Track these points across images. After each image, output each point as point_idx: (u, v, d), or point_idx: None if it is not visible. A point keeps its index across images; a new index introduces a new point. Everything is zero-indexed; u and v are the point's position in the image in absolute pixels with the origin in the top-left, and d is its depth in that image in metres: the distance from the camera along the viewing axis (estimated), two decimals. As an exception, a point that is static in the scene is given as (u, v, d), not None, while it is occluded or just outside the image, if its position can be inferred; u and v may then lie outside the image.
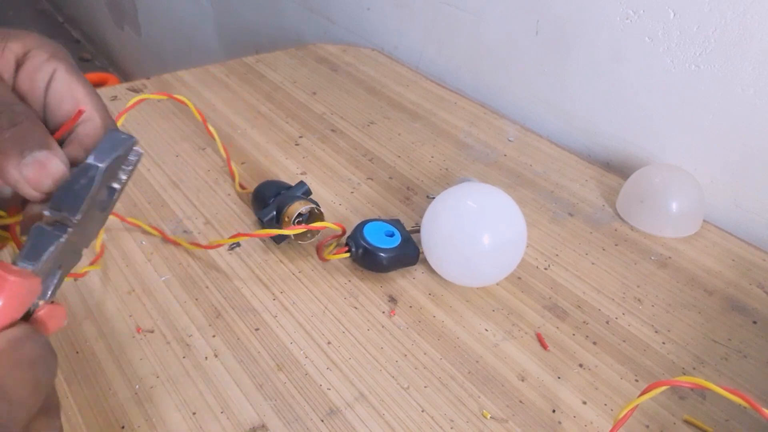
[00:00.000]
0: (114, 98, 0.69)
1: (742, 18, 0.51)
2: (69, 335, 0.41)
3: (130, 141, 0.28)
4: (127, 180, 0.28)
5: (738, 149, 0.55)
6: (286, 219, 0.48)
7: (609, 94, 0.64)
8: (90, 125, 0.29)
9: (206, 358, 0.40)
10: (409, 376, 0.40)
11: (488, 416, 0.38)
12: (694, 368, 0.42)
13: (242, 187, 0.56)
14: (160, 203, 0.54)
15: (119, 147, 0.27)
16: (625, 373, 0.41)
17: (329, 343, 0.42)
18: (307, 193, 0.51)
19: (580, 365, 0.42)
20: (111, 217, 0.50)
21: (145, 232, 0.50)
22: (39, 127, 0.27)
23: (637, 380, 0.41)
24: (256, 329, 0.43)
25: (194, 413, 0.37)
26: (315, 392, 0.39)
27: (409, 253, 0.47)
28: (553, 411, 0.39)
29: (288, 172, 0.59)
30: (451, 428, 0.37)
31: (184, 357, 0.40)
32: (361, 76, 0.78)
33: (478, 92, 0.77)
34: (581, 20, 0.64)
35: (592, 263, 0.50)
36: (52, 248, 0.25)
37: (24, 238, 0.30)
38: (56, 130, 0.29)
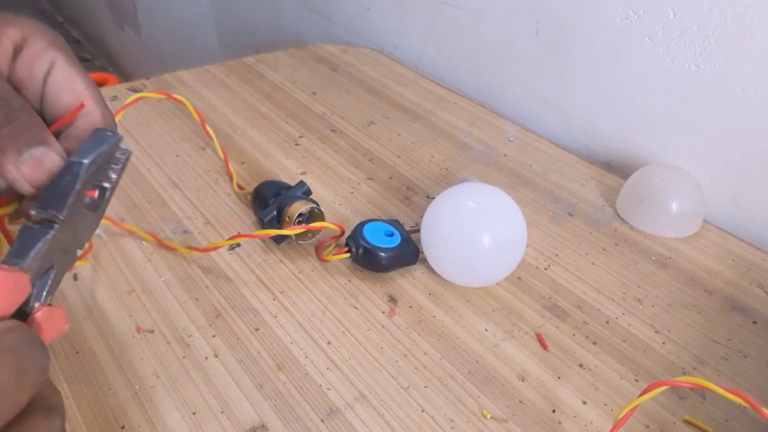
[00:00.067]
0: (114, 98, 0.69)
1: (742, 18, 0.51)
2: (69, 335, 0.41)
3: (114, 138, 0.28)
4: (117, 179, 0.28)
5: (738, 149, 0.55)
6: (287, 219, 0.48)
7: (609, 94, 0.64)
8: (90, 119, 0.29)
9: (206, 358, 0.40)
10: (409, 376, 0.40)
11: (488, 416, 0.38)
12: (694, 368, 0.42)
13: (240, 187, 0.56)
14: (159, 203, 0.54)
15: (104, 143, 0.27)
16: (625, 373, 0.41)
17: (329, 343, 0.42)
18: (307, 193, 0.51)
19: (580, 365, 0.42)
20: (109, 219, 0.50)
21: (145, 232, 0.50)
22: (36, 122, 0.27)
23: (637, 380, 0.41)
24: (256, 329, 0.43)
25: (194, 413, 0.37)
26: (315, 392, 0.39)
27: (408, 253, 0.47)
28: (553, 411, 0.39)
29: (288, 172, 0.59)
30: (451, 428, 0.37)
31: (184, 357, 0.40)
32: (361, 76, 0.78)
33: (478, 92, 0.77)
34: (581, 20, 0.64)
35: (592, 263, 0.50)
36: (39, 245, 0.25)
37: (12, 228, 0.30)
38: (53, 122, 0.29)
